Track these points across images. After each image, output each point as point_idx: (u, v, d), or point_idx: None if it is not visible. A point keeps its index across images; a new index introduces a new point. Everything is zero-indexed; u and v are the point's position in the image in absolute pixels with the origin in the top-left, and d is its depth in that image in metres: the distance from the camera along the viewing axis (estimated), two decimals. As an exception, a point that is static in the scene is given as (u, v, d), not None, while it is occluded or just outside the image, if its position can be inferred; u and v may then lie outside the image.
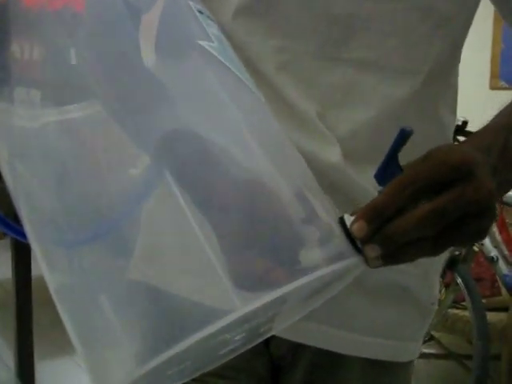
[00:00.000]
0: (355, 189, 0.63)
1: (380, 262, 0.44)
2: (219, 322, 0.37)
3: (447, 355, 2.31)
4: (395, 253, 0.44)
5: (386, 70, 0.63)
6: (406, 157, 0.47)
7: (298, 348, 0.69)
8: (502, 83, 3.42)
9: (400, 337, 0.70)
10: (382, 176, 0.47)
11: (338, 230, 0.45)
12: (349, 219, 0.45)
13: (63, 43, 0.45)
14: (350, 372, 0.70)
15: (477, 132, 0.56)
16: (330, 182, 0.59)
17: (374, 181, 0.49)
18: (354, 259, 0.44)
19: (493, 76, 3.35)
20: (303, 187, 0.46)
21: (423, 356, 2.28)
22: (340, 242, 0.44)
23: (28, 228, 0.45)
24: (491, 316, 2.07)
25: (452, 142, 0.74)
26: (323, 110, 0.62)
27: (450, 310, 2.19)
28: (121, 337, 0.42)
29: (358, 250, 0.44)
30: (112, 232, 0.43)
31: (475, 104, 2.86)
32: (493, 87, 3.34)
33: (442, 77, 0.67)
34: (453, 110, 0.70)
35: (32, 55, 0.44)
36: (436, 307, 0.77)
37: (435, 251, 0.45)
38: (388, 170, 0.46)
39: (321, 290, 0.48)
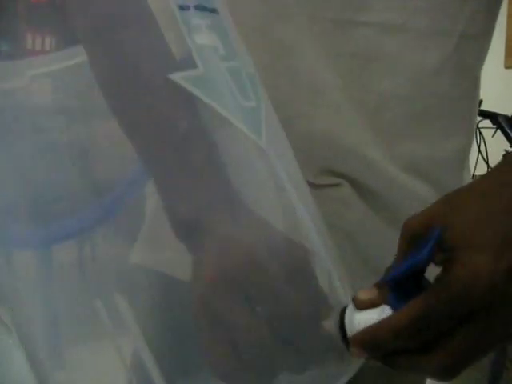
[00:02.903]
0: (380, 178, 0.57)
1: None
2: None
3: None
4: (384, 360, 0.41)
5: (411, 32, 0.56)
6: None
7: None
8: (517, 62, 3.38)
9: None
10: (395, 284, 0.40)
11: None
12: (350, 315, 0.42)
13: None
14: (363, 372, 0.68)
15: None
16: (349, 169, 0.56)
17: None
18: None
19: (508, 55, 3.30)
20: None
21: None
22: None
23: None
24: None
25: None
26: (344, 82, 0.56)
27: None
28: None
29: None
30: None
31: (490, 83, 2.83)
32: (508, 66, 3.30)
33: (479, 40, 0.61)
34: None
35: None
36: None
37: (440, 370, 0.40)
38: (407, 283, 0.40)
39: None
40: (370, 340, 0.40)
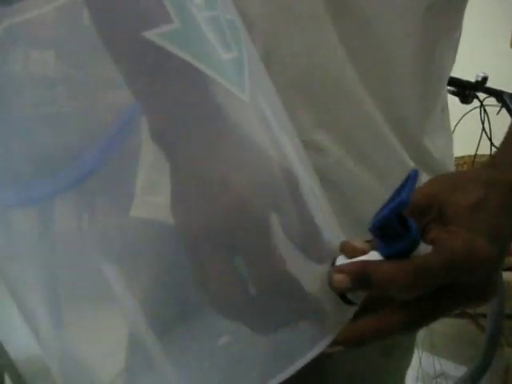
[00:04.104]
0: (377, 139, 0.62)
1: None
2: None
3: (461, 314, 2.32)
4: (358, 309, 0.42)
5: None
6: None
7: None
8: (524, 40, 3.34)
9: None
10: (378, 226, 0.40)
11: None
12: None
13: None
14: None
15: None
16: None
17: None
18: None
19: (515, 33, 3.28)
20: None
21: (437, 314, 2.28)
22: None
23: None
24: (506, 275, 2.07)
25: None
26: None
27: (465, 269, 2.19)
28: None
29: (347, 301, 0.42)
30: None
31: (495, 61, 2.80)
32: (514, 44, 3.27)
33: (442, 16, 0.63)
34: (454, 55, 0.68)
35: None
36: None
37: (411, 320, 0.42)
38: (391, 227, 0.40)
39: None
40: (359, 271, 0.40)
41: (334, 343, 0.42)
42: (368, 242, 0.43)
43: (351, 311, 0.44)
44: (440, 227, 0.42)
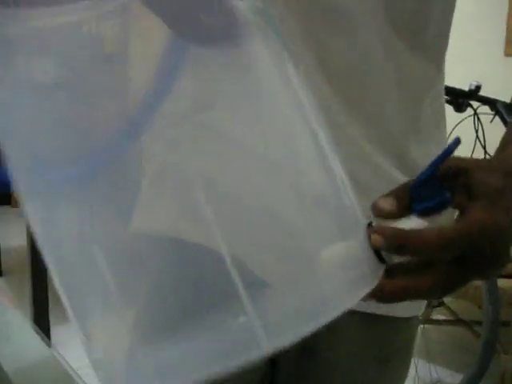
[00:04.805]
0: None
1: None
2: None
3: (457, 321, 2.33)
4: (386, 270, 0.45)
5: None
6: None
7: None
8: (517, 49, 3.36)
9: None
10: (418, 189, 0.46)
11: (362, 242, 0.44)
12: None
13: None
14: (347, 329, 0.68)
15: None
16: None
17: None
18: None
19: (508, 42, 3.30)
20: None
21: (433, 322, 2.29)
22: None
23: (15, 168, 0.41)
24: (502, 282, 2.08)
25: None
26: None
27: (460, 277, 2.20)
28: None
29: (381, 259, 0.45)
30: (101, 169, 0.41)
31: (489, 69, 2.83)
32: (507, 53, 3.29)
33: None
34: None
35: None
36: None
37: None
38: (426, 186, 0.46)
39: None
40: (399, 237, 0.44)
41: (371, 295, 0.45)
42: (393, 195, 0.47)
43: (382, 268, 0.46)
44: (467, 197, 0.47)
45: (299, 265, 0.42)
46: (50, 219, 0.43)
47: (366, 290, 0.44)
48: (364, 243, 0.45)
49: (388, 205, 0.46)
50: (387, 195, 0.47)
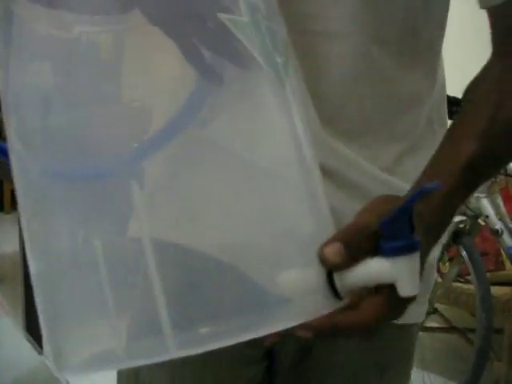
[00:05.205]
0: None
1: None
2: None
3: (450, 328, 2.33)
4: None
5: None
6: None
7: None
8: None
9: None
10: (388, 226, 0.44)
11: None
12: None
13: None
14: None
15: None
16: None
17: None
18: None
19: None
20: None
21: (426, 329, 2.29)
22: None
23: (14, 155, 0.44)
24: (495, 290, 2.08)
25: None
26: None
27: (454, 284, 2.20)
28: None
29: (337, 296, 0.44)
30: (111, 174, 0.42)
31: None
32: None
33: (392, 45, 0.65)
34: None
35: None
36: (435, 270, 0.77)
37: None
38: (396, 223, 0.44)
39: None
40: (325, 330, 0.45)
41: (307, 327, 0.44)
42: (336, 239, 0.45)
43: (336, 303, 0.45)
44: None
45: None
46: (45, 220, 0.44)
47: (303, 318, 0.43)
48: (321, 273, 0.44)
49: (335, 255, 0.43)
50: (334, 239, 0.44)
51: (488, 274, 2.09)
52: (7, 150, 0.45)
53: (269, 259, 0.44)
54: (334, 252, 0.43)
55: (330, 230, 0.46)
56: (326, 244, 0.44)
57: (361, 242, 0.45)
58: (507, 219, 2.07)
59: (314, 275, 0.44)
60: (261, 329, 0.41)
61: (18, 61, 0.44)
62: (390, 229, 0.44)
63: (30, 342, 0.65)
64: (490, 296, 2.00)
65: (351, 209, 0.48)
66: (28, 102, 0.44)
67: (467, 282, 2.16)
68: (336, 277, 0.44)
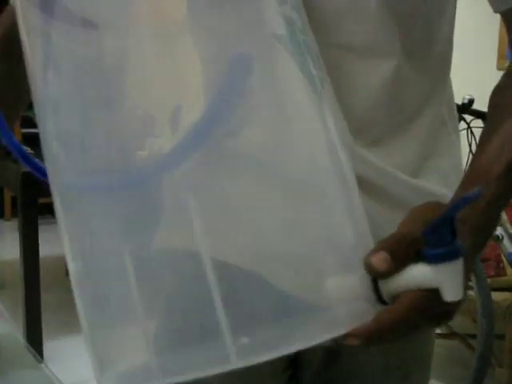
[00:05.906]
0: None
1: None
2: None
3: (452, 334, 2.33)
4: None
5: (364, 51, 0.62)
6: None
7: None
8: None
9: None
10: (431, 234, 0.45)
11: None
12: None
13: None
14: None
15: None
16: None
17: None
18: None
19: (500, 57, 3.32)
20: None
21: (428, 335, 2.28)
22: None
23: (50, 169, 0.45)
24: (496, 295, 2.08)
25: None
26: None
27: (455, 290, 2.20)
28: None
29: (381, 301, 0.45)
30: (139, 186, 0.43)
31: (482, 83, 2.84)
32: (500, 67, 3.32)
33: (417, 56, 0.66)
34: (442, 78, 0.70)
35: None
36: None
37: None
38: (439, 231, 0.44)
39: None
40: (370, 336, 0.44)
41: (356, 334, 0.44)
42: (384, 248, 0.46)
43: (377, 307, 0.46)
44: None
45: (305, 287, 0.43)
46: (84, 227, 0.45)
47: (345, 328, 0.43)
48: (364, 279, 0.45)
49: (381, 263, 0.44)
50: (379, 248, 0.45)
51: (489, 279, 2.09)
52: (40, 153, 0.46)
53: (309, 269, 0.44)
54: (380, 260, 0.44)
55: (367, 238, 0.47)
56: (372, 253, 0.45)
57: (405, 249, 0.45)
58: (507, 225, 2.07)
59: (357, 282, 0.45)
60: (318, 336, 0.42)
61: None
62: (433, 236, 0.44)
63: (29, 350, 0.64)
64: (491, 302, 2.00)
65: (383, 216, 0.48)
66: (65, 108, 0.46)
67: (468, 287, 2.16)
68: (381, 283, 0.45)
